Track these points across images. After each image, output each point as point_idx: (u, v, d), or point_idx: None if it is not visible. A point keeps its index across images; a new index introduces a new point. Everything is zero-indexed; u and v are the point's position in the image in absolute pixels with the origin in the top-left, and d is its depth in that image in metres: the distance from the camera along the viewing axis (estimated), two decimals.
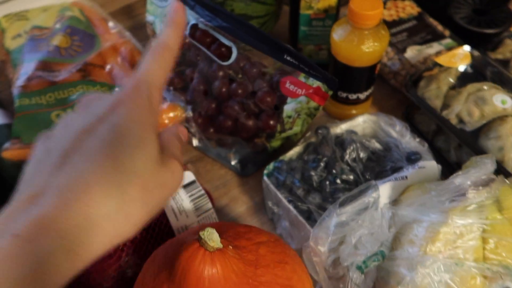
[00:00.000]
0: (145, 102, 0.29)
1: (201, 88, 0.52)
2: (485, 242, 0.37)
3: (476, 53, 0.58)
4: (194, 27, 0.52)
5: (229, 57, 0.48)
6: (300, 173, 0.48)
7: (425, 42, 0.66)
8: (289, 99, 0.46)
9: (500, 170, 0.47)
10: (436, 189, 0.38)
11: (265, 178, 0.48)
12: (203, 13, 0.49)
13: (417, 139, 0.50)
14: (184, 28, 0.33)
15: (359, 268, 0.38)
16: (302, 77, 0.45)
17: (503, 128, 0.49)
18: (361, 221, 0.40)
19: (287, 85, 0.45)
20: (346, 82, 0.57)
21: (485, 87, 0.53)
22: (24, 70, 0.56)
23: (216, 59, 0.49)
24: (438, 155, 0.56)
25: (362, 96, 0.59)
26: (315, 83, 0.45)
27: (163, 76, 0.31)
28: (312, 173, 0.48)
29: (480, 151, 0.49)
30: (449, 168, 0.54)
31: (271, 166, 0.49)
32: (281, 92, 0.46)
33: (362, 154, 0.49)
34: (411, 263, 0.37)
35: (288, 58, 0.45)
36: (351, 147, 0.49)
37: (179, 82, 0.55)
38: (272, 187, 0.47)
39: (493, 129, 0.50)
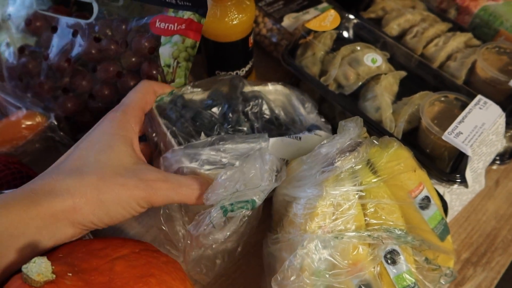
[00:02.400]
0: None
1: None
2: (364, 208, 0.36)
3: (346, 14, 0.56)
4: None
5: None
6: (193, 112, 0.43)
7: (301, 8, 0.64)
8: (163, 39, 0.42)
9: (379, 130, 0.46)
10: (307, 162, 0.36)
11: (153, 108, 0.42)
12: None
13: (323, 119, 0.48)
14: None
15: (222, 207, 0.33)
16: (171, 13, 0.42)
17: (377, 87, 0.48)
18: (240, 164, 0.36)
19: (158, 24, 0.42)
20: (221, 60, 0.53)
21: (358, 48, 0.52)
22: None
23: (79, 20, 0.46)
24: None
25: (241, 73, 0.55)
26: (186, 15, 0.42)
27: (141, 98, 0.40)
28: (207, 114, 0.43)
29: (360, 113, 0.48)
30: None
31: (166, 98, 0.44)
32: (153, 34, 0.43)
33: (265, 113, 0.46)
34: (292, 245, 0.35)
35: None
36: (256, 101, 0.45)
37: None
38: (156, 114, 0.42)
39: (369, 90, 0.49)
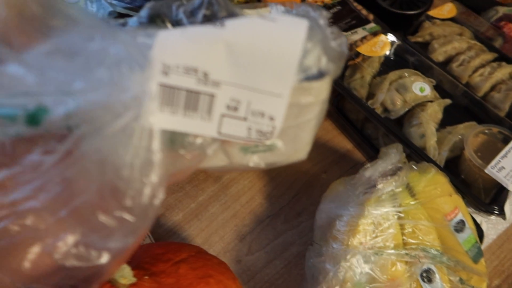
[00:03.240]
0: None
1: None
2: (402, 228, 0.39)
3: (395, 39, 0.59)
4: (113, 14, 0.49)
5: None
6: None
7: (350, 28, 0.66)
8: None
9: (423, 157, 0.48)
10: (351, 183, 0.39)
11: None
12: None
13: None
14: None
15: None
16: None
17: (423, 115, 0.50)
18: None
19: None
20: None
21: (406, 74, 0.54)
22: None
23: None
24: (368, 142, 0.57)
25: None
26: None
27: None
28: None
29: (404, 139, 0.50)
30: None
31: None
32: None
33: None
34: (335, 259, 0.38)
35: None
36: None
37: None
38: None
39: (415, 116, 0.52)
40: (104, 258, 0.18)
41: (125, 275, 0.29)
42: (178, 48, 0.18)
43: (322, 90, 0.22)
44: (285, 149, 0.23)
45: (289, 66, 0.19)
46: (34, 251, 0.18)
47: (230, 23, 0.19)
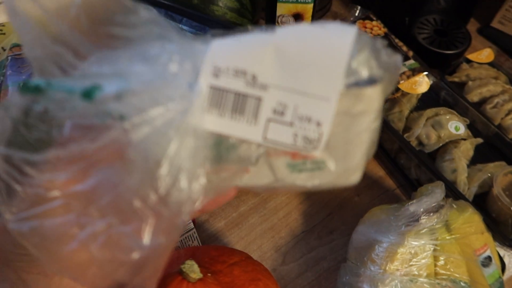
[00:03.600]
0: None
1: None
2: (436, 259, 0.43)
3: (434, 79, 0.63)
4: None
5: None
6: None
7: None
8: None
9: (453, 191, 0.52)
10: (394, 214, 0.43)
11: None
12: (192, 24, 0.52)
13: None
14: None
15: (27, 83, 0.19)
16: None
17: (456, 151, 0.54)
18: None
19: None
20: None
21: (442, 112, 0.58)
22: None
23: None
24: (400, 171, 0.61)
25: None
26: None
27: None
28: None
29: (437, 172, 0.54)
30: (410, 184, 0.60)
31: None
32: None
33: None
34: (373, 281, 0.42)
35: None
36: None
37: None
38: None
39: (448, 152, 0.55)
40: (136, 254, 0.19)
41: (195, 270, 0.34)
42: (229, 51, 0.20)
43: (373, 98, 0.21)
44: (334, 168, 0.22)
45: (337, 67, 0.19)
46: (72, 233, 0.19)
47: (280, 29, 0.20)
